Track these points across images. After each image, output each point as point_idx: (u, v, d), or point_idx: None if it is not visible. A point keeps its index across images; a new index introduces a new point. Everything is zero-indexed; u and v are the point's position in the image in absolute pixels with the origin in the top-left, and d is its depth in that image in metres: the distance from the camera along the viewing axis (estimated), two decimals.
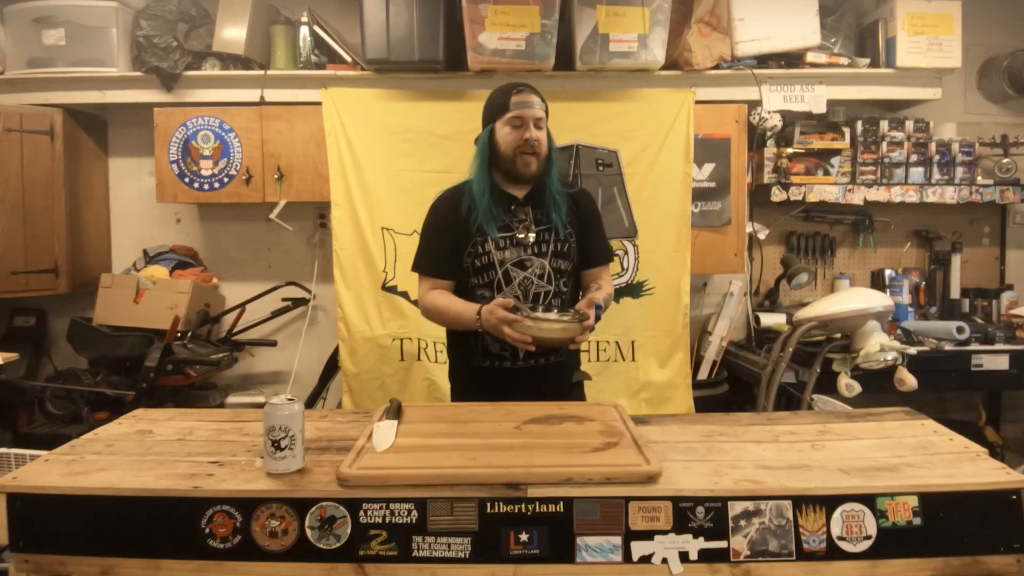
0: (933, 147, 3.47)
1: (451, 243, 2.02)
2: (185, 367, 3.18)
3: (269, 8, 3.50)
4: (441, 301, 2.01)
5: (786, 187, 3.40)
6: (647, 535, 1.26)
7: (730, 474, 1.34)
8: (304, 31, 3.38)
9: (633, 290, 3.26)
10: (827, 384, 2.93)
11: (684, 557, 1.25)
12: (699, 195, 3.32)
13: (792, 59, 3.37)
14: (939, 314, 3.64)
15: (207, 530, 1.27)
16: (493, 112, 2.03)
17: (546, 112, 2.04)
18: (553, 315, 1.86)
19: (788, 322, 3.32)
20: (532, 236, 2.03)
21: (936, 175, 3.47)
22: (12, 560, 1.29)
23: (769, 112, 3.33)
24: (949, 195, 3.45)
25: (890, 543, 1.26)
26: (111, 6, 3.31)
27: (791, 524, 1.26)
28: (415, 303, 3.23)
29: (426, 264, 2.07)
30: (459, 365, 2.12)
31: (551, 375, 2.06)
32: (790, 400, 3.09)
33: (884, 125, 3.45)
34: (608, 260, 2.21)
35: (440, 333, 3.22)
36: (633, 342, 3.27)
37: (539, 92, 2.04)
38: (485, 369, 2.03)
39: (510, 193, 2.06)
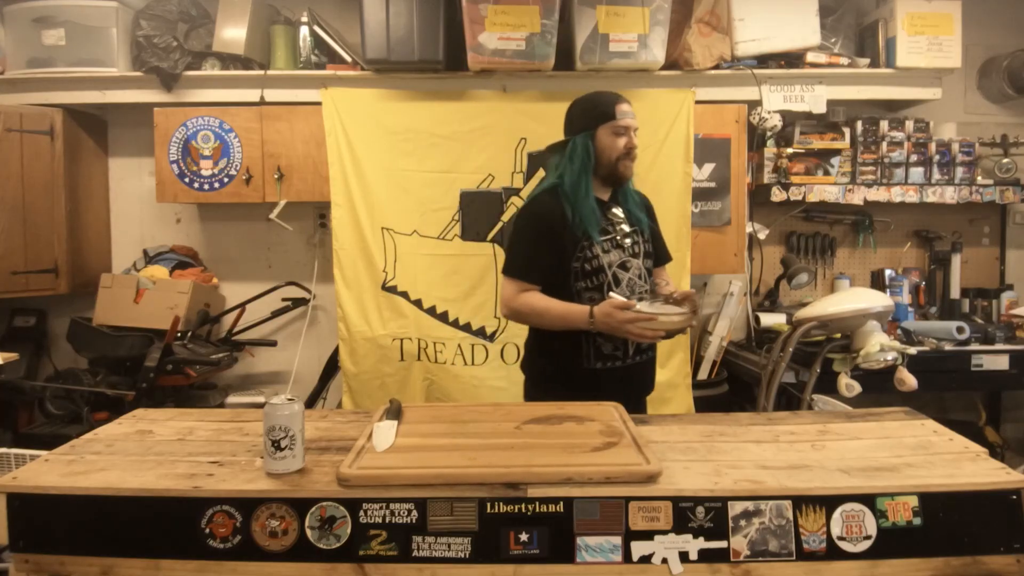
0: (933, 147, 3.47)
1: (554, 248, 2.02)
2: (185, 367, 3.18)
3: (269, 8, 3.50)
4: (540, 303, 2.01)
5: (786, 187, 3.40)
6: (647, 535, 1.25)
7: (730, 474, 1.34)
8: (304, 31, 3.38)
9: None
10: (827, 384, 2.93)
11: (684, 557, 1.25)
12: (699, 195, 3.32)
13: (792, 59, 3.37)
14: (939, 314, 3.64)
15: (207, 530, 1.27)
16: (594, 119, 2.07)
17: None
18: (672, 307, 1.93)
19: (788, 322, 3.32)
20: (628, 239, 2.10)
21: (936, 175, 3.47)
22: (12, 560, 1.29)
23: (769, 112, 3.33)
24: (949, 195, 3.45)
25: (890, 543, 1.26)
26: (111, 6, 3.31)
27: (791, 524, 1.26)
28: (415, 303, 3.25)
29: (523, 268, 2.05)
30: (559, 367, 2.07)
31: (649, 369, 2.15)
32: (790, 400, 3.09)
33: (884, 125, 3.45)
34: (670, 259, 2.31)
35: (441, 333, 3.27)
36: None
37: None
38: (596, 371, 2.03)
39: (599, 196, 2.10)
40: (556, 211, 2.03)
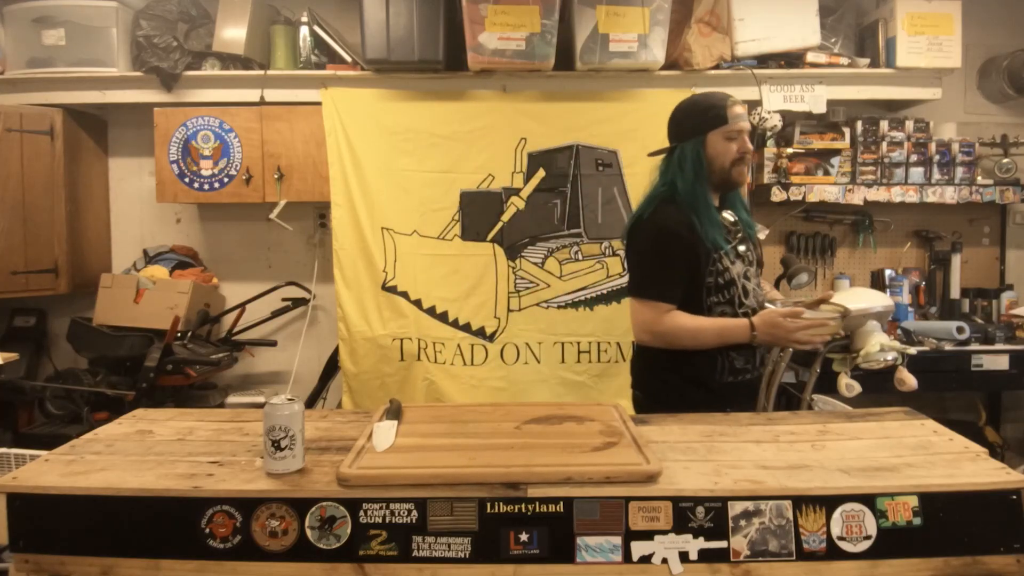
0: (933, 147, 3.47)
1: (689, 264, 1.91)
2: (185, 367, 3.18)
3: (269, 8, 3.50)
4: (691, 323, 1.91)
5: (786, 187, 3.40)
6: (647, 535, 1.25)
7: (730, 474, 1.34)
8: (304, 31, 3.38)
9: None
10: (827, 384, 2.92)
11: (684, 557, 1.25)
12: None
13: (792, 59, 3.37)
14: (939, 314, 3.63)
15: (207, 530, 1.27)
16: (705, 123, 1.95)
17: None
18: (827, 311, 1.91)
19: None
20: (743, 246, 2.00)
21: (936, 175, 3.47)
22: (12, 560, 1.29)
23: (769, 112, 3.33)
24: (949, 195, 3.45)
25: (890, 543, 1.26)
26: (111, 6, 3.31)
27: (791, 524, 1.26)
28: (415, 303, 3.24)
29: (661, 288, 1.93)
30: (690, 383, 1.97)
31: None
32: (790, 400, 3.09)
33: (884, 125, 3.45)
34: (763, 265, 2.25)
35: (441, 333, 3.27)
36: (634, 343, 3.26)
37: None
38: (727, 385, 1.97)
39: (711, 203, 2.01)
40: (683, 222, 1.91)
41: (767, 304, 1.94)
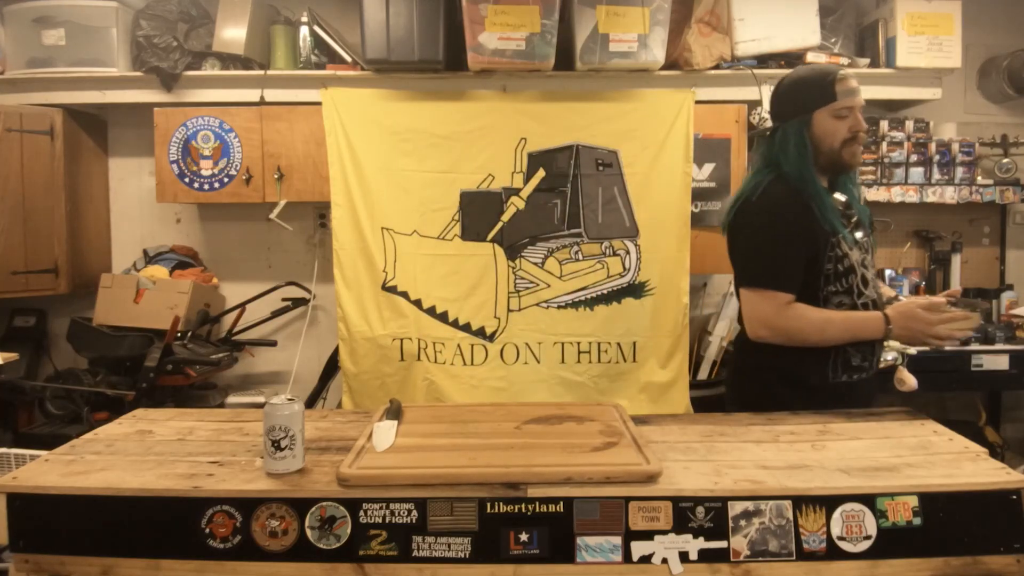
0: (933, 147, 3.47)
1: (807, 250, 1.75)
2: (185, 367, 3.18)
3: (269, 8, 3.50)
4: (817, 316, 1.75)
5: None
6: (647, 535, 1.25)
7: (730, 474, 1.34)
8: (304, 31, 3.38)
9: (635, 290, 3.26)
10: None
11: (684, 557, 1.25)
12: (699, 195, 3.32)
13: (792, 59, 3.37)
14: None
15: (207, 530, 1.27)
16: (811, 102, 1.79)
17: None
18: (959, 308, 1.74)
19: None
20: (859, 232, 1.84)
21: (936, 175, 3.47)
22: (12, 560, 1.29)
23: (769, 112, 3.32)
24: (949, 195, 3.45)
25: (890, 543, 1.26)
26: (111, 6, 3.31)
27: (791, 524, 1.26)
28: (415, 303, 3.24)
29: (779, 277, 1.75)
30: (798, 382, 1.82)
31: (880, 378, 1.94)
32: None
33: (884, 125, 3.45)
34: None
35: (441, 333, 3.27)
36: (635, 343, 3.26)
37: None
38: (841, 384, 1.81)
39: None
40: (798, 203, 1.74)
41: (902, 298, 1.80)
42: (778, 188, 1.79)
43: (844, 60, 3.39)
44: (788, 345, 1.78)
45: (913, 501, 1.27)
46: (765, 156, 1.87)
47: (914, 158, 3.46)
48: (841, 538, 1.26)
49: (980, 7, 3.56)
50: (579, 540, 1.25)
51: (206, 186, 3.36)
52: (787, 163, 1.80)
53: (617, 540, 1.25)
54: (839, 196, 1.85)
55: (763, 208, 1.78)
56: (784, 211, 1.76)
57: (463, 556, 1.25)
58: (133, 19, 3.36)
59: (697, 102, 3.24)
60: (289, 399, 1.38)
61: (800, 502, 1.27)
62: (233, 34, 3.33)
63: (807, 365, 1.79)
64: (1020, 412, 3.83)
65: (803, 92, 1.81)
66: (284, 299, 3.66)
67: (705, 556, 1.25)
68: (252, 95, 3.38)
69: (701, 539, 1.25)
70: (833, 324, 1.74)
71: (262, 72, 3.39)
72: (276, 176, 3.33)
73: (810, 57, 3.34)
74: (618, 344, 3.27)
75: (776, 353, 1.80)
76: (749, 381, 1.91)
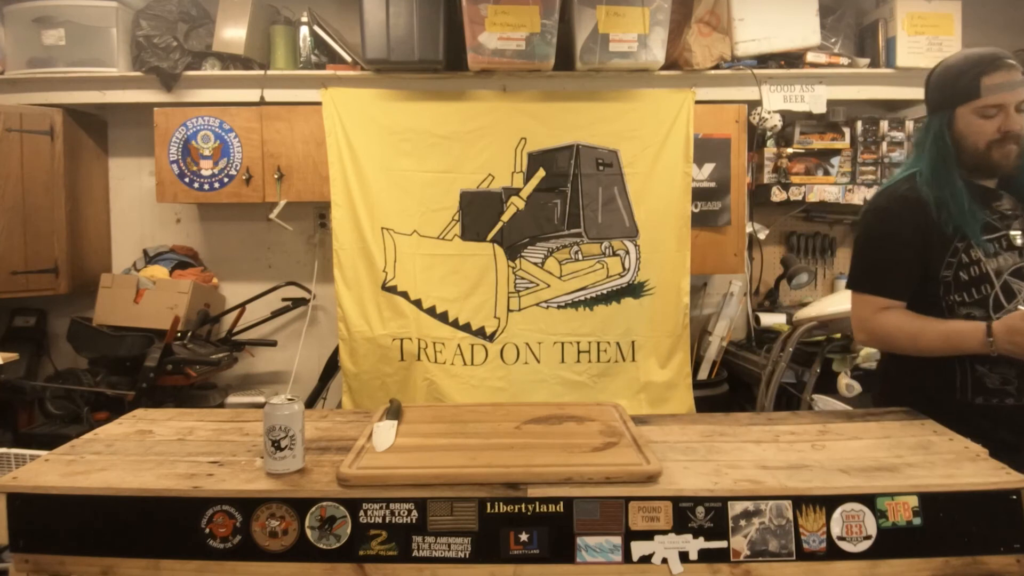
0: None
1: (918, 255, 1.64)
2: (185, 367, 3.18)
3: (269, 8, 3.50)
4: (909, 322, 1.64)
5: (786, 187, 3.40)
6: (647, 535, 1.25)
7: (730, 474, 1.34)
8: (304, 31, 3.38)
9: (634, 290, 3.26)
10: (827, 384, 2.93)
11: (684, 557, 1.25)
12: (699, 195, 3.32)
13: (792, 59, 3.37)
14: None
15: (207, 530, 1.27)
16: (953, 97, 1.64)
17: None
18: None
19: (788, 322, 3.32)
20: (1020, 237, 1.64)
21: None
22: (12, 560, 1.29)
23: (769, 112, 3.33)
24: None
25: (890, 543, 1.26)
26: (111, 6, 3.31)
27: (791, 524, 1.26)
28: (415, 303, 3.24)
29: (878, 280, 1.67)
30: (927, 402, 1.68)
31: None
32: (790, 400, 3.09)
33: (884, 125, 3.45)
34: None
35: (441, 333, 3.27)
36: (633, 342, 3.27)
37: (1016, 61, 1.61)
38: (975, 407, 1.64)
39: (980, 184, 1.68)
40: (915, 204, 1.63)
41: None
42: (899, 187, 1.70)
43: (844, 60, 3.39)
44: (888, 350, 1.72)
45: (913, 501, 1.27)
46: (916, 147, 1.77)
47: None
48: (841, 538, 1.26)
49: (980, 7, 3.56)
50: (579, 540, 1.25)
51: (206, 186, 3.36)
52: (921, 161, 1.69)
53: (617, 540, 1.25)
54: (1005, 201, 1.68)
55: (873, 208, 1.73)
56: (890, 213, 1.67)
57: (463, 556, 1.25)
58: (133, 19, 3.36)
59: (697, 102, 3.25)
60: (289, 399, 1.38)
61: (800, 502, 1.27)
62: (233, 34, 3.33)
63: (930, 380, 1.68)
64: None
65: (948, 84, 1.66)
66: (284, 299, 3.66)
67: (705, 556, 1.25)
68: (252, 95, 3.38)
69: (701, 539, 1.25)
70: (927, 333, 1.61)
71: (262, 72, 3.39)
72: (276, 176, 3.33)
73: (810, 57, 3.34)
74: (617, 344, 3.28)
75: (901, 363, 1.73)
76: (897, 391, 1.79)
